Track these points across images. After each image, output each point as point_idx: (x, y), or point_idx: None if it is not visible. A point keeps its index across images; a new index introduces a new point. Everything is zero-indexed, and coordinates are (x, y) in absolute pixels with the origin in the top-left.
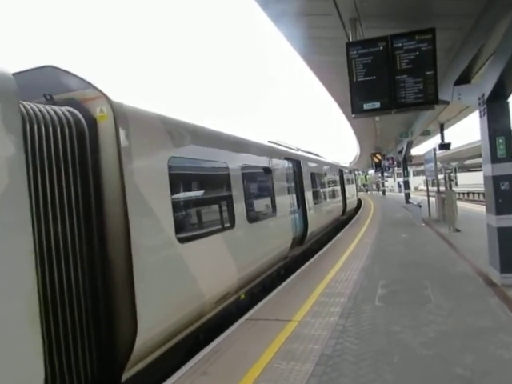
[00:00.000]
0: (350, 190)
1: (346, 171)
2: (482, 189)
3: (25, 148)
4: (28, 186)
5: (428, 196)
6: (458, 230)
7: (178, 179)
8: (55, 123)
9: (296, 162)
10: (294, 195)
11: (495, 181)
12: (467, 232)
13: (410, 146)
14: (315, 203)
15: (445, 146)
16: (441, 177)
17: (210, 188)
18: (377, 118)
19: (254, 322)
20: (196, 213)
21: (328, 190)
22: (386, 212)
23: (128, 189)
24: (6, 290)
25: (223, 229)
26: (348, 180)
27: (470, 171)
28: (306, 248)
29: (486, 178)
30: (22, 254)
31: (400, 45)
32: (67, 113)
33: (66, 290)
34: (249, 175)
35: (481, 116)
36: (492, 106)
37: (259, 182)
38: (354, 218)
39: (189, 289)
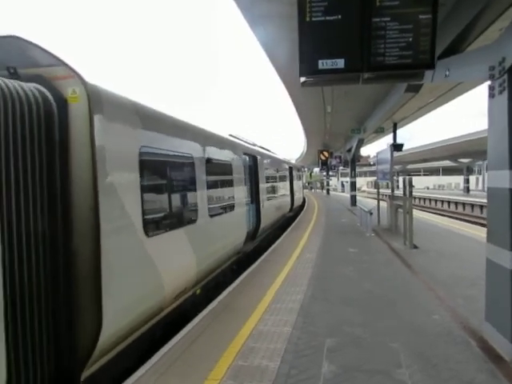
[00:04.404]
0: (297, 187)
1: (295, 168)
2: (421, 194)
3: None
4: None
5: (378, 200)
6: (415, 247)
7: (147, 170)
8: (22, 100)
9: (253, 158)
10: (251, 190)
11: None
12: (426, 249)
13: (360, 144)
14: (267, 199)
15: (397, 146)
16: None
17: (177, 180)
18: (328, 109)
19: None
20: (162, 206)
21: (279, 186)
22: (330, 215)
23: (100, 179)
24: None
25: (187, 222)
26: (296, 177)
27: (409, 175)
28: (256, 245)
29: (494, 190)
30: None
31: None
32: (35, 90)
33: (29, 286)
34: (213, 168)
35: (492, 95)
36: None
37: (221, 176)
38: (297, 220)
39: (152, 282)
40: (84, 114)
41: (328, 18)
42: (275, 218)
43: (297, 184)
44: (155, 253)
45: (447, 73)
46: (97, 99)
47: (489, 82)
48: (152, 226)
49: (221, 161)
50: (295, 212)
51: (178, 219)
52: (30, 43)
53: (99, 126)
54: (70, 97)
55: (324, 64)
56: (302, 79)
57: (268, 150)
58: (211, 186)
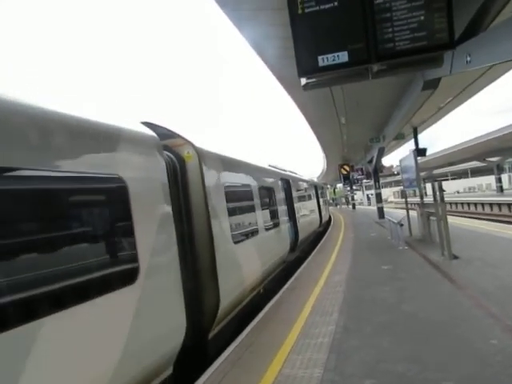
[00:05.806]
0: (323, 204)
1: (319, 187)
2: (451, 198)
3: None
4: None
5: (407, 210)
6: (455, 257)
7: (229, 200)
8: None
9: (287, 181)
10: (288, 209)
11: None
12: (468, 259)
13: (381, 153)
14: (301, 216)
15: (420, 151)
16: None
17: (244, 204)
18: (342, 120)
19: None
20: (239, 222)
21: (308, 204)
22: (358, 230)
23: (209, 208)
24: (173, 273)
25: (254, 234)
26: (321, 194)
27: (436, 180)
28: (297, 256)
29: None
30: (175, 252)
31: None
32: (166, 156)
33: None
34: (264, 193)
35: None
36: None
37: (270, 199)
38: (324, 238)
39: (239, 276)
40: (196, 167)
41: (323, 6)
42: (309, 233)
43: (322, 201)
44: (239, 255)
45: (468, 58)
46: (202, 156)
47: None
48: (236, 236)
49: (269, 187)
50: (324, 227)
51: (249, 232)
52: (157, 125)
53: (205, 173)
54: (186, 156)
55: (325, 60)
56: (303, 81)
57: (294, 173)
58: (265, 206)
